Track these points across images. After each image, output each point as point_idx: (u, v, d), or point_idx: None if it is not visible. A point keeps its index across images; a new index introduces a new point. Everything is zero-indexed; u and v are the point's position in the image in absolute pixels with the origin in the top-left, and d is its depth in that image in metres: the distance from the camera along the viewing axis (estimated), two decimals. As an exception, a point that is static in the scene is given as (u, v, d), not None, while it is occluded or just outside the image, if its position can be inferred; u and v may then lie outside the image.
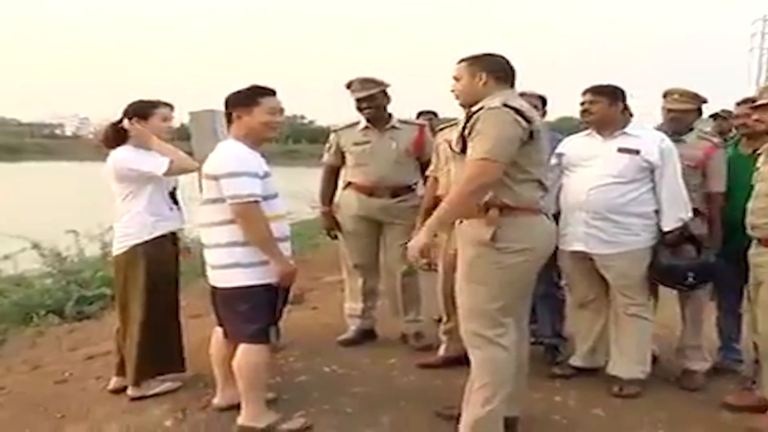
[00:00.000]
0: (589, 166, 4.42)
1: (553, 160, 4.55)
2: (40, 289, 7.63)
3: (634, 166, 4.29)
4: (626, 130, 4.39)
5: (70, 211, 6.65)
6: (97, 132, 4.72)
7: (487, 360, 3.49)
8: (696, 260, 4.33)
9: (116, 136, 4.30)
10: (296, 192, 9.76)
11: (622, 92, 4.47)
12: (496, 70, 3.53)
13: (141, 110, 4.33)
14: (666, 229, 4.29)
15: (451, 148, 3.63)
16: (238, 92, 3.84)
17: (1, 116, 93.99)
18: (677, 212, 4.29)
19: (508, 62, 3.59)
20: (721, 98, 4.43)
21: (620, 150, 4.33)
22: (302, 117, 79.57)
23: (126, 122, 4.27)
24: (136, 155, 4.23)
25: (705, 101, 4.79)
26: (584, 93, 4.49)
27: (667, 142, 4.36)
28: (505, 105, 3.33)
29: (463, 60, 3.60)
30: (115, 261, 4.41)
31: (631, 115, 4.55)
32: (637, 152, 4.29)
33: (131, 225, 4.23)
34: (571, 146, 4.61)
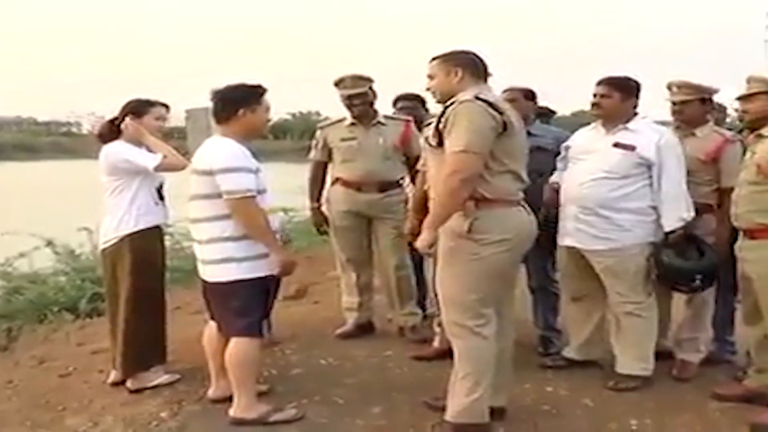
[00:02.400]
0: (585, 159, 4.43)
1: (562, 153, 4.62)
2: (54, 286, 7.71)
3: (627, 161, 4.26)
4: (628, 125, 4.35)
5: (84, 208, 6.73)
6: (94, 127, 4.84)
7: (469, 350, 3.57)
8: (703, 262, 4.27)
9: (110, 131, 4.42)
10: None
11: (638, 87, 4.43)
12: (470, 65, 3.62)
13: (137, 108, 4.47)
14: (667, 229, 4.25)
15: (427, 142, 3.71)
16: (240, 89, 3.90)
17: (17, 115, 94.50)
18: (678, 212, 4.23)
19: (480, 58, 3.66)
20: (739, 91, 4.30)
21: (615, 145, 4.31)
22: (317, 113, 79.46)
23: (127, 119, 4.39)
24: (129, 149, 4.35)
25: (710, 92, 4.62)
26: (598, 84, 4.44)
27: (667, 138, 4.30)
28: (477, 98, 3.41)
29: (436, 58, 3.68)
30: (102, 255, 4.52)
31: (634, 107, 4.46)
32: (633, 148, 4.26)
33: (117, 218, 4.33)
34: (576, 138, 4.63)
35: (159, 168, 4.28)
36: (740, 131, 4.77)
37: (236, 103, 3.85)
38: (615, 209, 4.28)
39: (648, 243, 4.32)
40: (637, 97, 4.41)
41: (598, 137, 4.44)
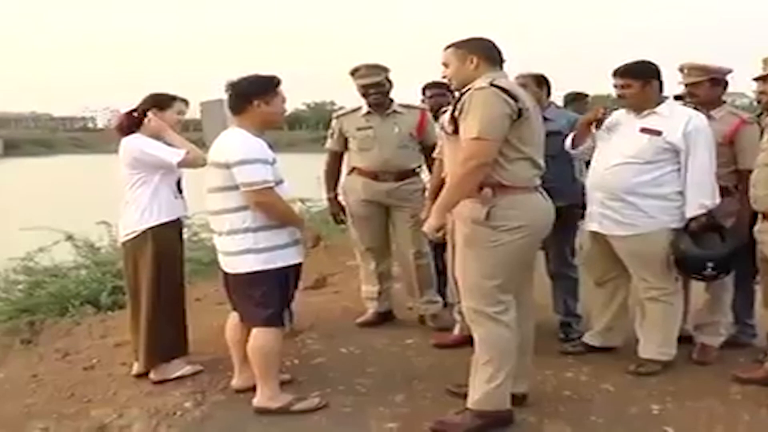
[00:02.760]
0: (610, 144, 4.40)
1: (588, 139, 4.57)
2: (75, 280, 7.75)
3: (653, 147, 4.22)
4: (657, 109, 4.30)
5: (102, 202, 6.78)
6: (112, 121, 4.89)
7: (489, 336, 3.59)
8: (716, 251, 4.21)
9: (130, 123, 4.44)
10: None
11: (656, 69, 4.36)
12: (485, 52, 3.62)
13: (160, 102, 4.51)
14: (689, 215, 4.21)
15: (443, 129, 3.72)
16: (255, 80, 3.91)
17: (33, 111, 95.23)
18: (701, 198, 4.18)
19: (495, 44, 3.66)
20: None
21: (642, 130, 4.26)
22: (332, 103, 79.67)
23: (150, 114, 4.42)
24: (152, 143, 4.37)
25: (721, 72, 4.58)
26: (615, 75, 4.40)
27: (696, 123, 4.22)
28: (492, 84, 3.42)
29: (450, 45, 3.68)
30: (123, 248, 4.54)
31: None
32: (659, 133, 4.21)
33: (139, 211, 4.36)
34: (607, 122, 4.53)
35: (182, 164, 4.31)
36: (759, 114, 4.71)
37: (251, 94, 3.86)
38: (640, 195, 4.25)
39: (672, 229, 4.28)
40: (658, 79, 4.34)
41: (627, 121, 4.39)
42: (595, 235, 4.51)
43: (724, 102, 4.60)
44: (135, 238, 4.40)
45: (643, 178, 4.23)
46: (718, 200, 4.23)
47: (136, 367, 4.54)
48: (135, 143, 4.38)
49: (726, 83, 4.62)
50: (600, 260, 4.60)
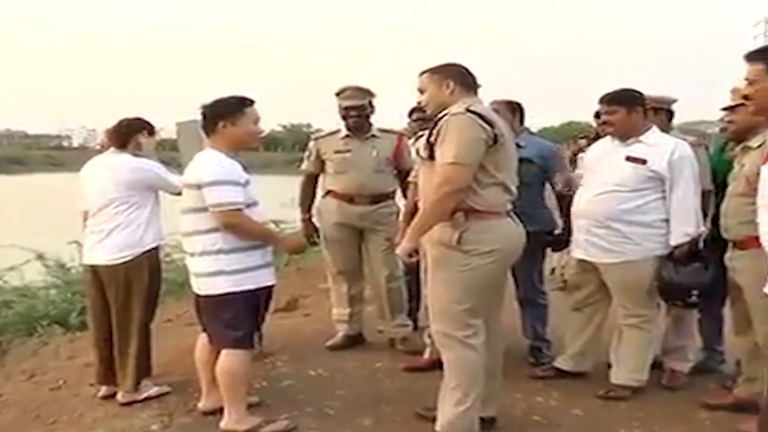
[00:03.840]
0: (596, 172, 4.43)
1: (578, 164, 4.62)
2: (45, 300, 7.70)
3: (638, 175, 4.25)
4: (642, 137, 4.33)
5: (74, 221, 6.73)
6: (102, 135, 4.88)
7: (458, 360, 3.59)
8: (701, 278, 4.23)
9: (121, 138, 4.49)
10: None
11: (641, 97, 4.40)
12: (460, 77, 3.66)
13: (150, 127, 4.60)
14: (673, 243, 4.24)
15: (418, 154, 3.73)
16: (221, 102, 3.92)
17: (7, 128, 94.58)
18: (685, 227, 4.22)
19: (468, 70, 3.70)
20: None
21: (627, 158, 4.29)
22: (308, 125, 79.92)
23: (142, 135, 4.52)
24: (157, 166, 4.45)
25: (667, 101, 4.75)
26: (601, 102, 4.45)
27: (680, 152, 4.26)
28: (468, 110, 3.45)
29: (426, 71, 3.72)
30: (111, 270, 4.38)
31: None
32: (644, 162, 4.25)
33: (138, 233, 4.36)
34: (590, 151, 4.61)
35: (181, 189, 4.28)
36: (725, 143, 4.78)
37: (216, 116, 3.88)
38: (626, 222, 4.27)
39: (656, 257, 4.30)
40: (642, 106, 4.38)
41: (612, 150, 4.42)
42: (580, 262, 4.54)
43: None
44: (132, 260, 4.35)
45: (629, 205, 4.26)
46: (702, 228, 4.28)
47: (104, 391, 4.49)
48: (141, 165, 4.42)
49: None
50: (585, 286, 4.62)
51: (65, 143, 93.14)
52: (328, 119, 5.51)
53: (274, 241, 4.08)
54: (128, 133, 4.50)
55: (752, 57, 3.17)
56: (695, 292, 4.24)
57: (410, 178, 4.94)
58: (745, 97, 3.25)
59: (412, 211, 4.30)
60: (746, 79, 3.19)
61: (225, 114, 3.86)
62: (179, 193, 4.27)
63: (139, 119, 4.60)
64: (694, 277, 4.23)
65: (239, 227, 3.78)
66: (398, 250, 3.61)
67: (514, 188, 3.67)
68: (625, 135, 4.37)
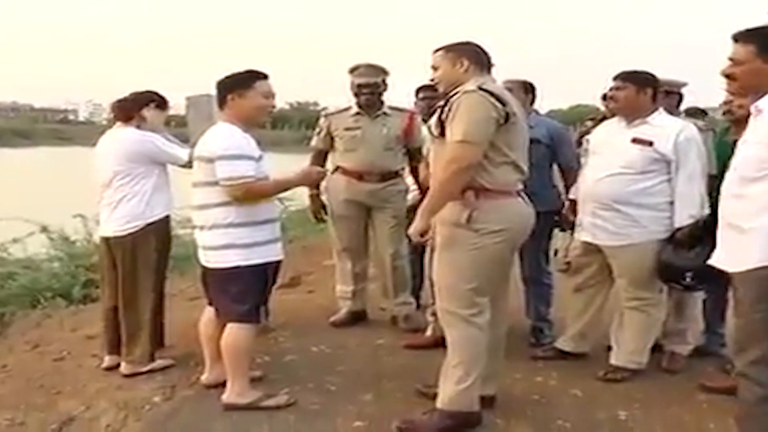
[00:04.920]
0: (602, 154, 4.41)
1: (583, 146, 4.61)
2: (48, 272, 7.73)
3: (644, 157, 4.22)
4: (648, 119, 4.29)
5: (79, 195, 6.74)
6: (109, 109, 4.92)
7: (462, 339, 3.60)
8: (696, 261, 4.12)
9: (128, 110, 4.53)
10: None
11: (653, 79, 4.36)
12: (474, 56, 3.64)
13: (160, 100, 4.65)
14: (676, 225, 4.21)
15: (430, 132, 3.73)
16: (232, 76, 3.91)
17: (14, 101, 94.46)
18: (689, 209, 4.19)
19: (483, 49, 3.69)
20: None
21: (633, 140, 4.26)
22: (315, 103, 79.77)
23: (150, 108, 4.56)
24: (161, 139, 4.47)
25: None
26: (615, 79, 4.40)
27: (687, 134, 4.23)
28: (480, 88, 3.44)
29: (440, 49, 3.70)
30: (119, 241, 4.44)
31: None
32: (650, 144, 4.22)
33: (143, 204, 4.39)
34: (596, 132, 4.59)
35: (189, 162, 4.30)
36: (727, 128, 4.77)
37: (226, 89, 3.89)
38: (632, 205, 4.25)
39: (660, 240, 4.28)
40: (653, 89, 4.34)
41: (618, 131, 4.39)
42: (585, 244, 4.53)
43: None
44: (138, 231, 4.40)
45: (635, 187, 4.24)
46: (707, 211, 4.22)
47: (108, 360, 4.55)
48: (145, 138, 4.43)
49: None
50: (588, 267, 4.62)
51: (71, 117, 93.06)
52: (335, 97, 5.48)
53: (292, 183, 4.16)
54: (132, 108, 4.53)
55: (742, 37, 3.12)
56: (689, 274, 4.19)
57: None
58: (727, 77, 3.20)
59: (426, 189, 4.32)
60: (731, 59, 3.15)
61: (234, 87, 3.87)
62: (186, 165, 4.30)
63: (148, 92, 4.63)
64: (691, 260, 4.20)
65: (253, 194, 3.79)
66: (410, 230, 3.58)
67: (525, 168, 3.66)
68: (629, 114, 4.34)
